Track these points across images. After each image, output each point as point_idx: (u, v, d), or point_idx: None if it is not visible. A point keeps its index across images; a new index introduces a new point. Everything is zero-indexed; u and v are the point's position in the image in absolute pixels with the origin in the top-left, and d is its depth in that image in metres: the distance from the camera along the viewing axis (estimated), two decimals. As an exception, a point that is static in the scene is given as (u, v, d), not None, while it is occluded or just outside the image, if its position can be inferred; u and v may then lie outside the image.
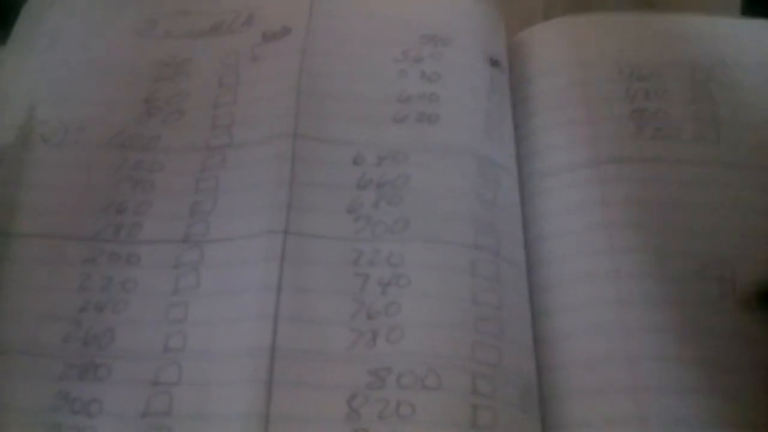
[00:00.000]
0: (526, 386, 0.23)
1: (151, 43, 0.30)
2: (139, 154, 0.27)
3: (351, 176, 0.26)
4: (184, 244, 0.25)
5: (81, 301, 0.24)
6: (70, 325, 0.24)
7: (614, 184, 0.28)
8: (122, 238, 0.26)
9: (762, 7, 0.36)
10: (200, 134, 0.28)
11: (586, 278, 0.26)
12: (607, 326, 0.25)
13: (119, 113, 0.29)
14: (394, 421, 0.22)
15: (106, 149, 0.28)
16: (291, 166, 0.26)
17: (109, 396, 0.23)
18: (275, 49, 0.29)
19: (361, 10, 0.30)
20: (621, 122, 0.29)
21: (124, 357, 0.23)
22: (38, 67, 0.30)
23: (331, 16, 0.30)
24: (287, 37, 0.29)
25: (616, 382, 0.24)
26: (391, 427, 0.22)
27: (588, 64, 0.31)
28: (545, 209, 0.28)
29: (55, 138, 0.28)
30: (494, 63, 0.31)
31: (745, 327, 0.25)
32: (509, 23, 0.33)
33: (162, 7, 0.31)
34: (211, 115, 0.28)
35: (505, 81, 0.31)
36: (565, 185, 0.28)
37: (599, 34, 0.32)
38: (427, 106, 0.28)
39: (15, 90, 0.29)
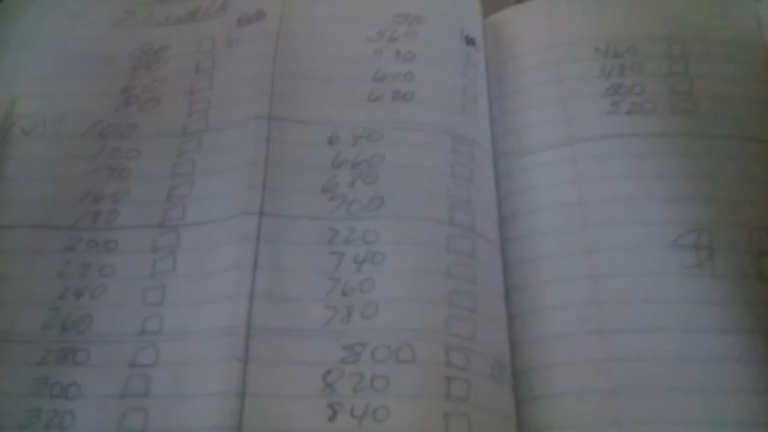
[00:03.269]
0: (498, 359, 0.24)
1: (128, 33, 0.31)
2: (116, 142, 0.28)
3: (326, 156, 0.26)
4: (161, 229, 0.25)
5: (60, 288, 0.25)
6: (49, 311, 0.24)
7: (589, 161, 0.28)
8: (100, 226, 0.26)
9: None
10: (176, 120, 0.28)
11: (560, 255, 0.26)
12: (580, 300, 0.25)
13: (97, 104, 0.29)
14: (368, 394, 0.22)
15: (85, 139, 0.28)
16: (266, 147, 0.26)
17: (88, 379, 0.23)
18: (250, 33, 0.29)
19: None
20: (596, 99, 0.29)
21: (102, 341, 0.24)
22: (17, 64, 0.30)
23: None
24: (262, 21, 0.29)
25: (588, 354, 0.24)
26: (366, 400, 0.22)
27: (563, 44, 0.31)
28: (520, 187, 0.28)
29: (34, 131, 0.28)
30: (470, 41, 0.31)
31: (721, 293, 0.25)
32: (486, 3, 0.34)
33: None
34: (188, 101, 0.28)
35: (480, 59, 0.31)
36: (539, 164, 0.28)
37: (574, 13, 0.32)
38: (402, 84, 0.28)
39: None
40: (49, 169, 0.27)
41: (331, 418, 0.22)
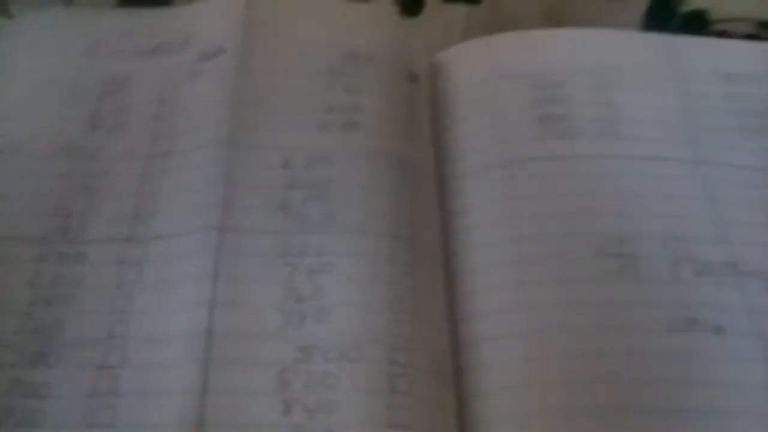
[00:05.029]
0: (438, 358, 0.26)
1: (95, 63, 0.33)
2: (85, 163, 0.30)
3: (281, 178, 0.29)
4: (128, 243, 0.27)
5: (31, 296, 0.26)
6: (21, 317, 0.26)
7: (521, 181, 0.31)
8: (70, 239, 0.28)
9: (659, 24, 0.40)
10: (142, 144, 0.30)
11: (496, 264, 0.29)
12: (513, 305, 0.27)
13: (67, 127, 0.31)
14: (319, 390, 0.24)
15: (55, 159, 0.30)
16: (226, 169, 0.29)
17: (58, 380, 0.25)
18: (212, 66, 0.32)
19: (291, 31, 0.33)
20: (528, 127, 0.32)
21: (73, 345, 0.25)
22: (-9, 88, 0.32)
23: (263, 37, 0.33)
24: (223, 56, 0.32)
25: (523, 352, 0.26)
26: (317, 395, 0.24)
27: (499, 78, 0.34)
28: (462, 205, 0.31)
29: (7, 150, 0.30)
30: (412, 78, 0.34)
31: (641, 296, 0.28)
32: (433, 43, 0.37)
33: (106, 30, 0.34)
34: (152, 127, 0.30)
35: (422, 93, 0.33)
36: (478, 184, 0.31)
37: (510, 50, 0.35)
38: (350, 115, 0.31)
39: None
40: (21, 186, 0.29)
41: (285, 412, 0.24)
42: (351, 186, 0.29)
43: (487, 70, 0.34)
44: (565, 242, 0.29)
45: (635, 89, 0.34)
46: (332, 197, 0.28)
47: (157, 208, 0.28)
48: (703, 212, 0.30)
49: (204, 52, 0.32)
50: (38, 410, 0.24)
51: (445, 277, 0.29)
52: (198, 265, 0.26)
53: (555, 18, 0.41)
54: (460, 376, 0.27)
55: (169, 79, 0.32)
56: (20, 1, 0.37)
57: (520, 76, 0.34)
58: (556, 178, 0.31)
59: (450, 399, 0.26)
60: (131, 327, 0.26)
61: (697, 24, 0.40)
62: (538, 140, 0.32)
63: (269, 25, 0.33)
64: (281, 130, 0.30)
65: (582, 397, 0.26)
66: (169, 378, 0.24)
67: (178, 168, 0.29)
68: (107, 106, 0.31)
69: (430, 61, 0.36)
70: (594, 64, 0.34)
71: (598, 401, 0.26)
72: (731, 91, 0.34)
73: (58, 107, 0.31)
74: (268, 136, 0.30)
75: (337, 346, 0.25)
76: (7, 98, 0.32)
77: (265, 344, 0.25)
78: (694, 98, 0.34)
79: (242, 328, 0.25)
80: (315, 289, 0.26)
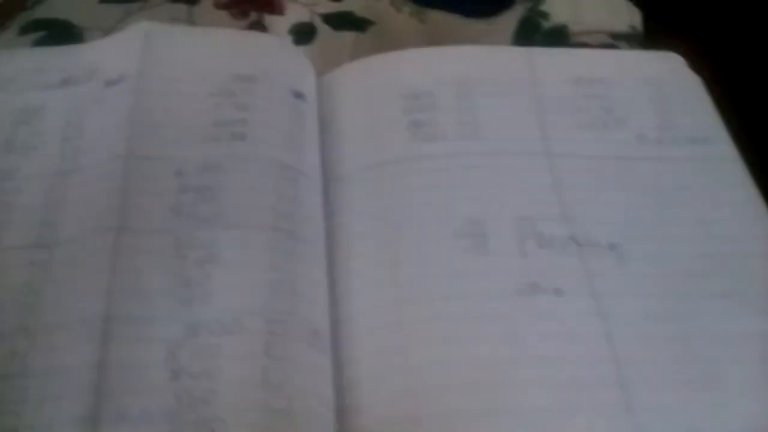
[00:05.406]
0: (314, 329, 0.30)
1: (9, 97, 0.36)
2: (0, 183, 0.33)
3: (174, 184, 0.33)
4: (37, 248, 0.31)
5: None
6: None
7: (391, 179, 0.35)
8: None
9: (526, 40, 0.45)
10: (51, 163, 0.34)
11: (369, 250, 0.33)
12: (380, 282, 0.32)
13: (-16, 153, 0.34)
14: (203, 359, 0.28)
15: (-28, 181, 0.33)
16: (123, 179, 0.32)
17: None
18: (114, 92, 0.36)
19: (185, 57, 0.37)
20: (399, 132, 0.37)
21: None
22: None
23: (160, 64, 0.37)
24: (123, 82, 0.36)
25: (391, 319, 0.30)
26: (201, 363, 0.28)
27: (375, 92, 0.39)
28: (341, 203, 0.35)
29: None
30: (298, 95, 0.38)
31: (493, 266, 0.32)
32: (326, 66, 0.41)
33: (19, 67, 0.38)
34: (60, 148, 0.34)
35: (308, 109, 0.38)
36: (354, 183, 0.35)
37: (385, 68, 0.40)
38: (238, 128, 0.35)
39: None
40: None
41: (173, 378, 0.27)
42: (236, 188, 0.33)
43: (365, 85, 0.39)
44: (428, 227, 0.33)
45: (493, 95, 0.38)
46: (220, 199, 0.32)
47: (64, 217, 0.32)
48: (549, 196, 0.35)
49: (107, 80, 0.36)
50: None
51: (327, 264, 0.33)
52: (97, 261, 0.30)
53: (435, 41, 0.46)
54: (337, 345, 0.30)
55: (77, 106, 0.36)
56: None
57: (393, 89, 0.38)
58: (422, 175, 0.35)
59: (327, 365, 0.30)
60: (40, 318, 0.29)
61: (558, 37, 0.45)
62: (407, 143, 0.36)
63: (165, 55, 0.37)
64: (174, 144, 0.34)
65: (440, 354, 0.30)
66: (71, 357, 0.28)
67: (81, 182, 0.33)
68: (20, 133, 0.35)
69: (320, 81, 0.40)
70: (458, 75, 0.39)
71: (454, 357, 0.30)
72: (580, 92, 0.39)
73: (-25, 136, 0.35)
74: (162, 149, 0.34)
75: (220, 322, 0.29)
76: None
77: (156, 324, 0.29)
78: (547, 100, 0.39)
79: (135, 311, 0.29)
80: (202, 276, 0.30)
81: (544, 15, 0.46)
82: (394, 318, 0.31)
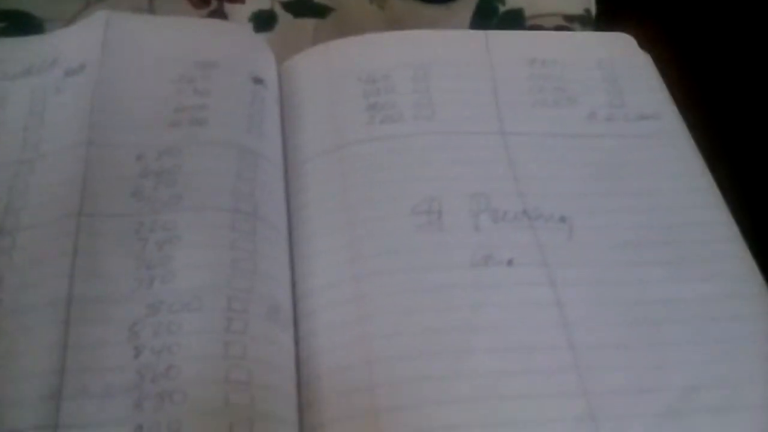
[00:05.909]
0: (275, 306, 0.31)
1: (-30, 87, 0.37)
2: (-39, 172, 0.34)
3: (135, 169, 0.33)
4: (0, 235, 0.31)
5: None
6: None
7: (350, 161, 0.36)
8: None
9: (483, 23, 0.46)
10: (13, 152, 0.34)
11: (329, 229, 0.34)
12: (340, 260, 0.32)
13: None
14: (165, 335, 0.29)
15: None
16: (83, 165, 0.33)
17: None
18: (74, 81, 0.36)
19: (145, 44, 0.38)
20: (358, 115, 0.38)
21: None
22: None
23: (120, 53, 0.37)
24: (84, 71, 0.36)
25: (349, 294, 0.31)
26: (163, 340, 0.28)
27: (334, 76, 0.39)
28: (301, 185, 0.36)
29: None
30: (257, 81, 0.39)
31: (447, 240, 0.33)
32: (287, 52, 0.42)
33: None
34: (22, 137, 0.35)
35: (268, 93, 0.38)
36: (314, 166, 0.36)
37: (344, 52, 0.40)
38: (198, 113, 0.36)
39: None
40: None
41: (135, 356, 0.28)
42: (197, 171, 0.33)
43: (324, 70, 0.40)
44: (385, 206, 0.34)
45: (450, 77, 0.39)
46: (180, 182, 0.33)
47: (25, 203, 0.32)
48: (502, 172, 0.36)
49: (68, 69, 0.37)
50: None
51: (289, 244, 0.34)
52: (59, 245, 0.30)
53: (395, 27, 0.47)
54: (297, 321, 0.31)
55: (37, 95, 0.36)
56: None
57: (351, 73, 0.39)
58: (380, 156, 0.36)
59: (288, 340, 0.30)
60: (2, 302, 0.29)
61: (514, 20, 0.46)
62: (365, 125, 0.37)
63: (126, 43, 0.38)
64: (135, 130, 0.34)
65: (397, 324, 0.31)
66: (34, 339, 0.28)
67: (42, 169, 0.33)
68: (-19, 123, 0.35)
69: (280, 67, 0.41)
70: (415, 59, 0.40)
71: (411, 327, 0.31)
72: (534, 72, 0.40)
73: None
74: (122, 136, 0.34)
75: (181, 300, 0.29)
76: None
77: (118, 305, 0.29)
78: (501, 81, 0.40)
79: (98, 293, 0.29)
80: (163, 257, 0.31)
81: (502, 0, 0.46)
82: (354, 292, 0.32)
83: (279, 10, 0.46)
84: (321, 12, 0.46)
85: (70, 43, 0.38)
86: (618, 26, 0.45)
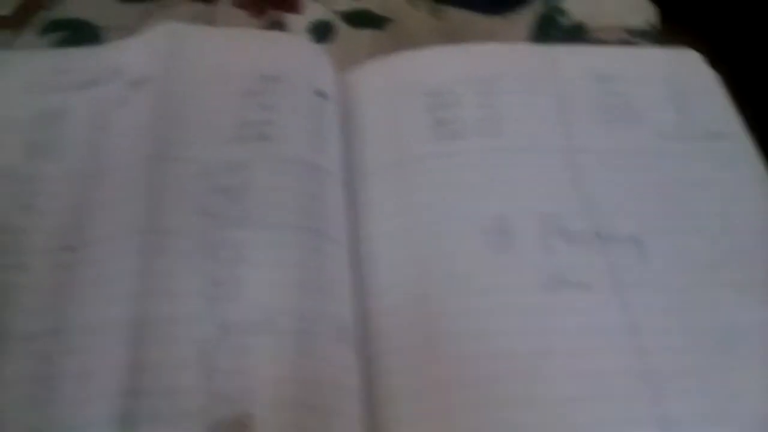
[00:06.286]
0: (341, 326, 0.30)
1: (34, 98, 0.37)
2: (25, 186, 0.33)
3: (203, 184, 0.33)
4: (64, 250, 0.31)
5: None
6: None
7: (415, 176, 0.35)
8: (11, 251, 0.31)
9: (544, 37, 0.45)
10: (76, 166, 0.34)
11: (395, 246, 0.33)
12: (409, 278, 0.32)
13: (6, 155, 0.34)
14: (236, 358, 0.28)
15: (-3, 182, 0.34)
16: (150, 180, 0.32)
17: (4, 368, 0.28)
18: (138, 93, 0.36)
19: (211, 59, 0.37)
20: (423, 130, 0.37)
21: (20, 338, 0.29)
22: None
23: (185, 65, 0.37)
24: (149, 83, 0.36)
25: (415, 317, 0.31)
26: (234, 363, 0.28)
27: (398, 90, 0.39)
28: (365, 200, 0.35)
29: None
30: (320, 94, 0.38)
31: (517, 262, 0.32)
32: (344, 64, 0.41)
33: (42, 68, 0.38)
34: (85, 151, 0.34)
35: (330, 107, 0.38)
36: (378, 180, 0.35)
37: (406, 66, 0.40)
38: (264, 128, 0.35)
39: None
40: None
41: (208, 378, 0.28)
42: (264, 188, 0.33)
43: (387, 84, 0.39)
44: (453, 224, 0.33)
45: (515, 92, 0.39)
46: (247, 199, 0.33)
47: (90, 219, 0.32)
48: (572, 191, 0.35)
49: (132, 81, 0.37)
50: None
51: (351, 261, 0.33)
52: (127, 263, 0.30)
53: (453, 38, 0.47)
54: (363, 341, 0.31)
55: (101, 108, 0.36)
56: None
57: (415, 87, 0.39)
58: (446, 172, 0.35)
59: (353, 360, 0.30)
60: (72, 320, 0.29)
61: (576, 34, 0.45)
62: (431, 140, 0.37)
63: (190, 55, 0.37)
64: (202, 144, 0.34)
65: (468, 347, 0.30)
66: (105, 360, 0.28)
67: (108, 184, 0.33)
68: (44, 136, 0.35)
69: (340, 80, 0.40)
70: (479, 73, 0.39)
71: (481, 350, 0.30)
72: (601, 89, 0.39)
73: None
74: (189, 150, 0.34)
75: (251, 321, 0.29)
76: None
77: (187, 325, 0.29)
78: (568, 97, 0.39)
79: (168, 313, 0.29)
80: (231, 276, 0.30)
81: (562, 12, 0.46)
82: (422, 314, 0.31)
83: (337, 21, 0.45)
84: (379, 23, 0.46)
85: (133, 55, 0.38)
86: (677, 41, 0.44)
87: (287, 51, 0.39)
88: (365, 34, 0.45)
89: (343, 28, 0.45)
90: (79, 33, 0.42)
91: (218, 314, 0.29)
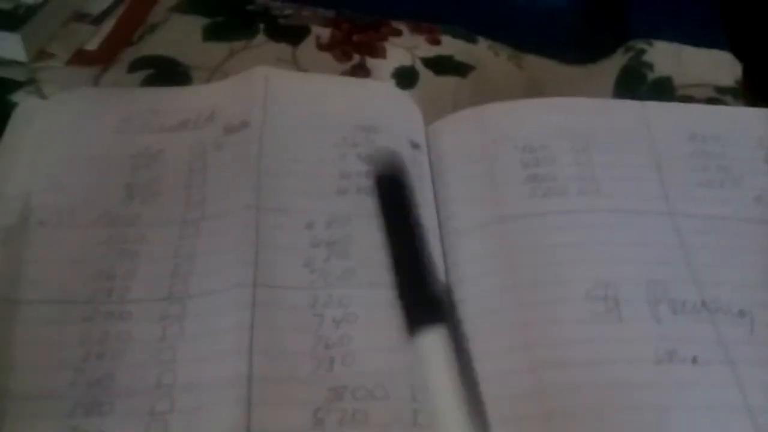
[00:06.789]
0: (454, 394, 0.29)
1: (127, 138, 0.36)
2: (123, 230, 0.33)
3: (305, 238, 0.32)
4: (168, 301, 0.30)
5: (83, 352, 0.29)
6: (75, 372, 0.29)
7: (513, 235, 0.34)
8: (114, 300, 0.31)
9: (629, 90, 0.44)
10: (175, 211, 0.33)
11: (494, 310, 0.32)
12: (512, 346, 0.31)
13: (103, 197, 0.34)
14: (351, 425, 0.27)
15: (94, 227, 0.33)
16: (255, 231, 0.32)
17: (113, 426, 0.27)
18: (236, 139, 0.35)
19: (307, 106, 0.37)
20: (517, 187, 0.36)
21: (124, 394, 0.28)
22: (31, 162, 0.35)
23: (282, 112, 0.37)
24: (246, 129, 0.36)
25: (523, 388, 0.30)
26: (349, 430, 0.27)
27: (489, 143, 0.38)
28: (460, 259, 0.34)
29: (50, 221, 0.33)
30: (414, 145, 0.37)
31: (627, 333, 0.31)
32: (427, 112, 0.41)
33: (135, 107, 0.37)
34: (184, 195, 0.34)
35: (424, 159, 0.37)
36: (474, 239, 0.35)
37: (498, 118, 0.39)
38: (364, 180, 0.34)
39: (11, 182, 0.35)
40: (65, 253, 0.32)
41: (322, 444, 0.27)
42: (367, 244, 0.32)
43: (478, 136, 0.39)
44: (556, 288, 0.33)
45: (610, 150, 0.38)
46: (351, 254, 0.32)
47: (194, 268, 0.31)
48: (676, 258, 0.34)
49: (228, 126, 0.36)
50: (96, 454, 0.27)
51: (453, 322, 0.32)
52: (235, 317, 0.29)
53: (534, 87, 0.46)
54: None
55: (197, 151, 0.36)
56: (51, 82, 0.40)
57: (507, 140, 0.38)
58: (545, 232, 0.35)
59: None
60: (177, 376, 0.28)
61: (664, 89, 0.44)
62: (527, 198, 0.36)
63: (286, 102, 0.37)
64: (303, 195, 0.34)
65: (580, 423, 0.29)
66: (214, 421, 0.27)
67: (210, 231, 0.32)
68: (141, 178, 0.35)
69: (427, 129, 0.40)
70: (572, 128, 0.39)
71: (597, 426, 0.29)
72: (696, 149, 0.39)
73: (95, 179, 0.35)
74: (292, 201, 0.33)
75: (365, 386, 0.28)
76: (47, 173, 0.35)
77: (299, 387, 0.28)
78: (663, 156, 0.38)
79: (278, 373, 0.28)
80: (341, 337, 0.29)
81: (648, 65, 0.45)
82: (530, 385, 0.30)
83: (420, 67, 0.45)
84: (461, 70, 0.45)
85: (228, 98, 0.37)
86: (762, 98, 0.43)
87: (382, 100, 0.39)
88: (448, 81, 0.45)
89: (426, 75, 0.45)
90: (166, 71, 0.42)
91: (330, 377, 0.29)
